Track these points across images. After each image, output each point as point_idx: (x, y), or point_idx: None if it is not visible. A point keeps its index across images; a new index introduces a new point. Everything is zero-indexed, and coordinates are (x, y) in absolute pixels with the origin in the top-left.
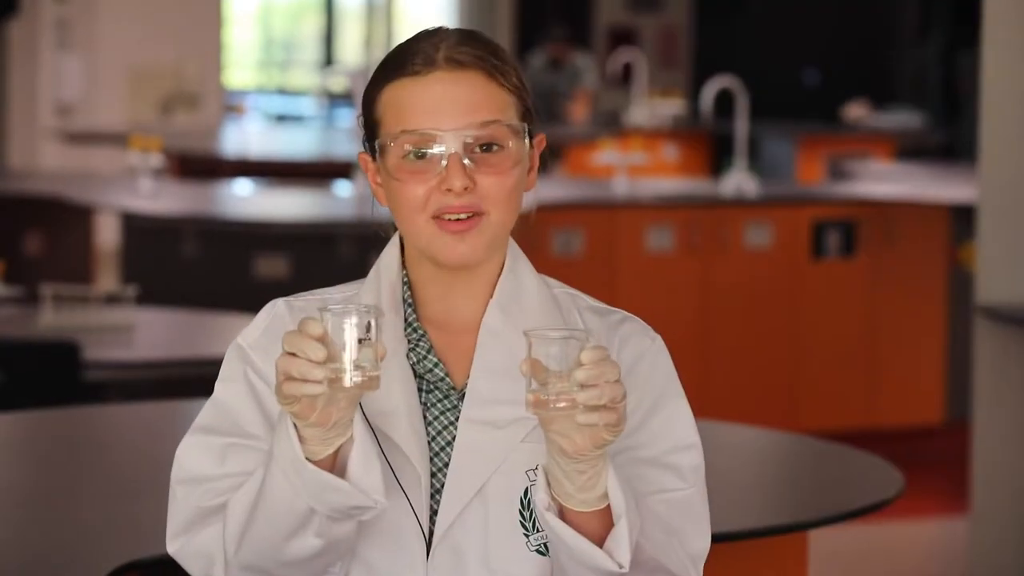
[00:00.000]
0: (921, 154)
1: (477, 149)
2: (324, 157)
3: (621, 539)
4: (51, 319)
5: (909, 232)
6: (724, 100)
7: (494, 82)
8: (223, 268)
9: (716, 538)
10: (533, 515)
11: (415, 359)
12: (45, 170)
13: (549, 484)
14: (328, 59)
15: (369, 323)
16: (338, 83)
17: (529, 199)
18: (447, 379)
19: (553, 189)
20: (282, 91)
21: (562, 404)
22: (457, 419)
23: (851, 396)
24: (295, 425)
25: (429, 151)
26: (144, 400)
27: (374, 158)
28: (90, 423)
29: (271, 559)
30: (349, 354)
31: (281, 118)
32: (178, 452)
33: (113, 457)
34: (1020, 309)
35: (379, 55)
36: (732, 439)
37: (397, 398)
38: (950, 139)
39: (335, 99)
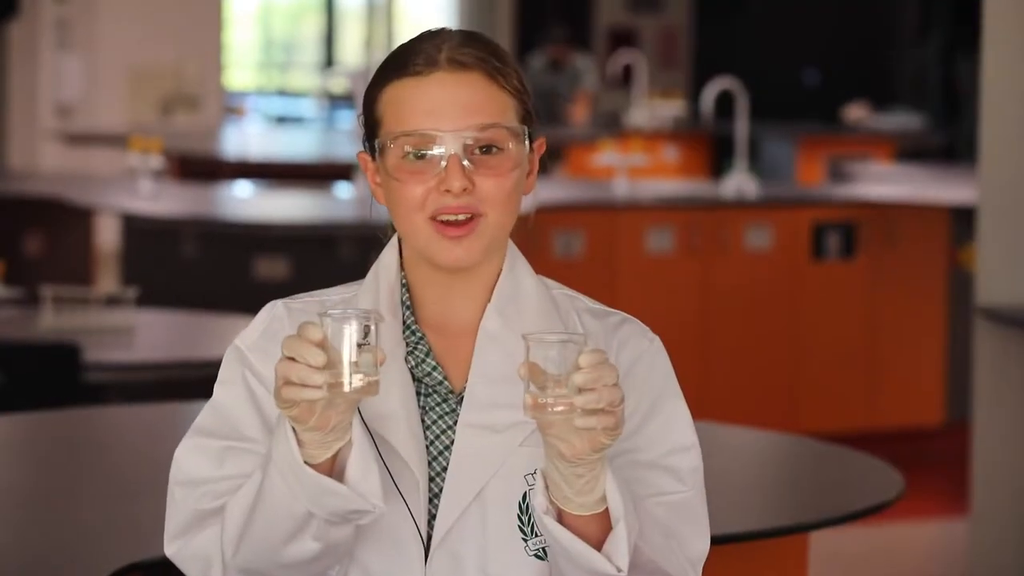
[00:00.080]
0: (921, 155)
1: (477, 151)
2: (324, 159)
3: (619, 542)
4: (51, 320)
5: (909, 233)
6: (724, 101)
7: (495, 84)
8: (223, 270)
9: (716, 540)
10: (531, 519)
11: (413, 362)
12: (45, 171)
13: (547, 488)
14: (328, 60)
15: (369, 328)
16: (338, 84)
17: (528, 202)
18: (445, 382)
19: (554, 190)
20: (282, 92)
21: (560, 408)
22: (455, 423)
23: (851, 397)
24: (294, 429)
25: (429, 152)
26: (144, 402)
27: (374, 158)
28: (90, 424)
29: (269, 562)
30: (349, 359)
31: (281, 119)
32: (176, 454)
33: (113, 458)
34: (1020, 310)
35: (379, 56)
36: (732, 441)
37: (395, 402)
38: (950, 140)
39: (335, 100)
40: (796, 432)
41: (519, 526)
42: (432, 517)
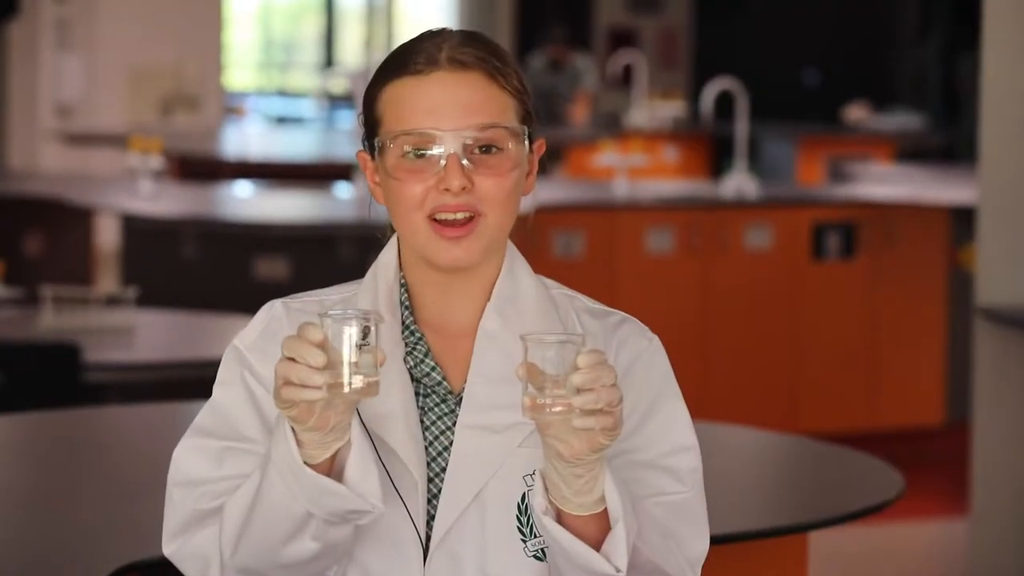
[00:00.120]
0: (921, 156)
1: (476, 150)
2: (324, 159)
3: (618, 542)
4: (51, 321)
5: (909, 234)
6: (724, 101)
7: (495, 84)
8: (223, 270)
9: (716, 539)
10: (530, 520)
11: (412, 363)
12: (45, 171)
13: (546, 488)
14: (328, 60)
15: (369, 328)
16: (338, 85)
17: (527, 203)
18: (444, 383)
19: (554, 191)
20: (282, 93)
21: (558, 408)
22: (454, 424)
23: (851, 397)
24: (293, 429)
25: (428, 151)
26: (144, 402)
27: (373, 157)
28: (90, 425)
29: (267, 562)
30: (349, 360)
31: (281, 120)
32: (175, 454)
33: (113, 458)
34: (1020, 310)
35: (379, 56)
36: (732, 440)
37: (394, 402)
38: (950, 140)
39: (335, 101)
40: (796, 432)
41: (518, 527)
42: (431, 518)
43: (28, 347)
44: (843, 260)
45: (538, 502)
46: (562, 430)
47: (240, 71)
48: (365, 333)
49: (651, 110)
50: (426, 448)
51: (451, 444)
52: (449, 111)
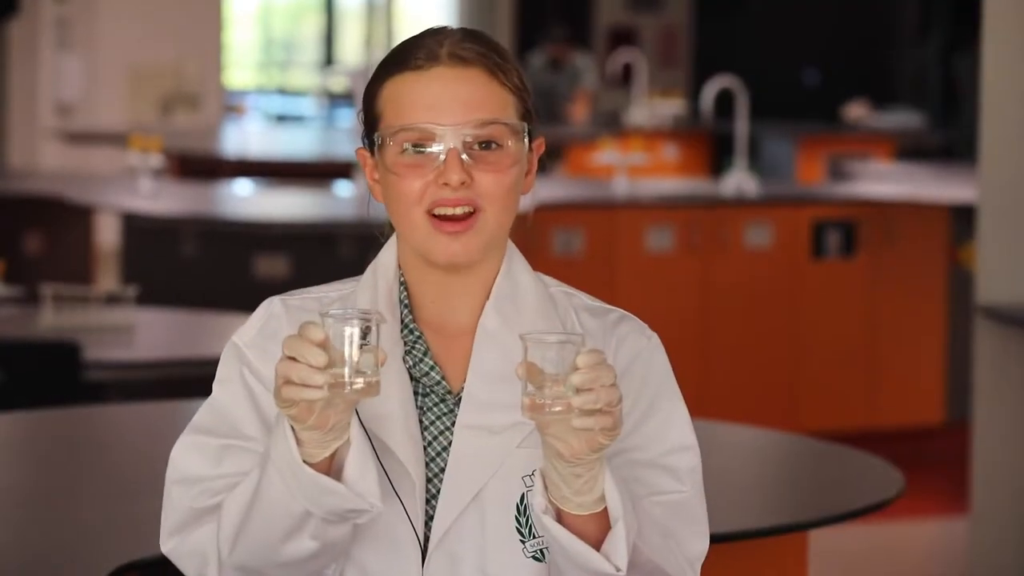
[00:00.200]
0: (921, 154)
1: (476, 146)
2: (324, 157)
3: (618, 542)
4: (51, 319)
5: (909, 232)
6: (724, 100)
7: (495, 80)
8: (223, 268)
9: (716, 538)
10: (529, 521)
11: (411, 362)
12: (45, 170)
13: (546, 487)
14: (328, 59)
15: (370, 328)
16: (338, 83)
17: (527, 202)
18: (443, 382)
19: (553, 189)
20: (282, 91)
21: (558, 408)
22: (453, 424)
23: (851, 396)
24: (292, 427)
25: (428, 147)
26: (144, 400)
27: (373, 153)
28: (90, 423)
29: (266, 560)
30: (350, 359)
31: (281, 118)
32: (173, 452)
33: (113, 457)
34: (1020, 309)
35: (379, 55)
36: (732, 439)
37: (393, 402)
38: (949, 139)
39: (335, 99)
40: (796, 431)
41: (517, 527)
42: (430, 518)
43: (28, 346)
44: (843, 259)
45: (538, 501)
46: (561, 430)
47: (240, 70)
48: (366, 333)
49: (651, 108)
50: (425, 448)
51: (450, 444)
52: (449, 107)
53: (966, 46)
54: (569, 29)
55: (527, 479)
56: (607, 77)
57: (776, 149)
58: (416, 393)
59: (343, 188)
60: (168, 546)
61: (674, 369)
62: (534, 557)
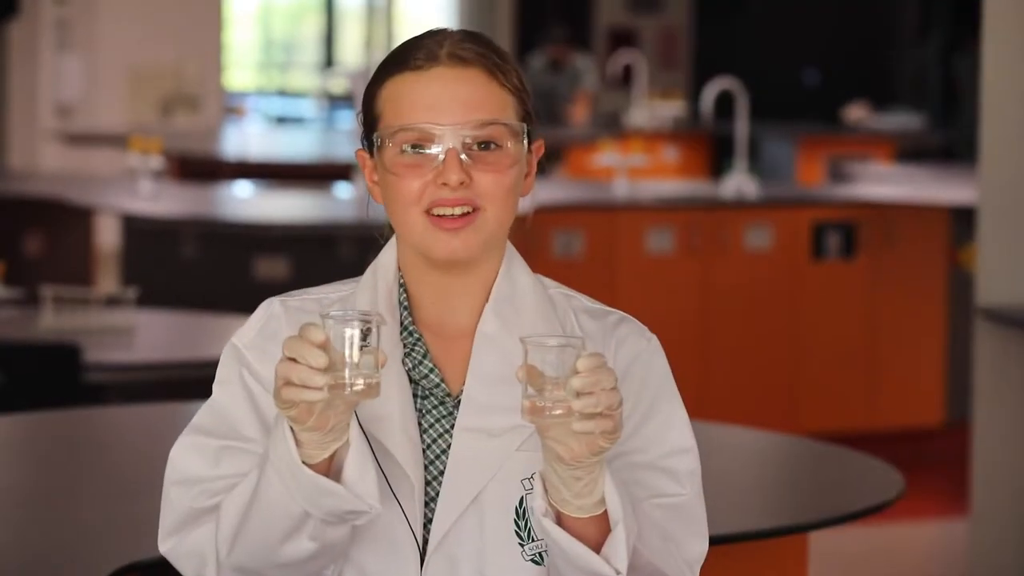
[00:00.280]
0: (921, 155)
1: (475, 147)
2: (324, 159)
3: (618, 544)
4: (51, 321)
5: (909, 233)
6: (724, 101)
7: (495, 81)
8: (223, 270)
9: (716, 540)
10: (528, 524)
11: (410, 364)
12: (45, 171)
13: (546, 490)
14: (328, 60)
15: (370, 330)
16: (338, 85)
17: (526, 204)
18: (443, 385)
19: (553, 191)
20: (282, 93)
21: (558, 412)
22: (453, 427)
23: (851, 397)
24: (292, 429)
25: (427, 147)
26: (144, 402)
27: (372, 154)
28: (90, 425)
29: (264, 561)
30: (350, 361)
31: (281, 120)
32: (172, 453)
33: (113, 458)
34: (1020, 310)
35: (379, 57)
36: (732, 441)
37: (392, 404)
38: (949, 140)
39: (335, 101)
40: (796, 432)
41: (516, 530)
42: (429, 520)
43: (28, 347)
44: (843, 260)
45: (538, 504)
46: (562, 433)
47: (240, 71)
48: (366, 334)
49: (651, 110)
50: (424, 451)
51: (450, 446)
52: (448, 107)
53: (966, 46)
54: (569, 30)
55: (526, 482)
56: (607, 78)
57: (776, 150)
58: (415, 395)
59: (343, 190)
60: (166, 546)
61: (674, 371)
62: (533, 560)
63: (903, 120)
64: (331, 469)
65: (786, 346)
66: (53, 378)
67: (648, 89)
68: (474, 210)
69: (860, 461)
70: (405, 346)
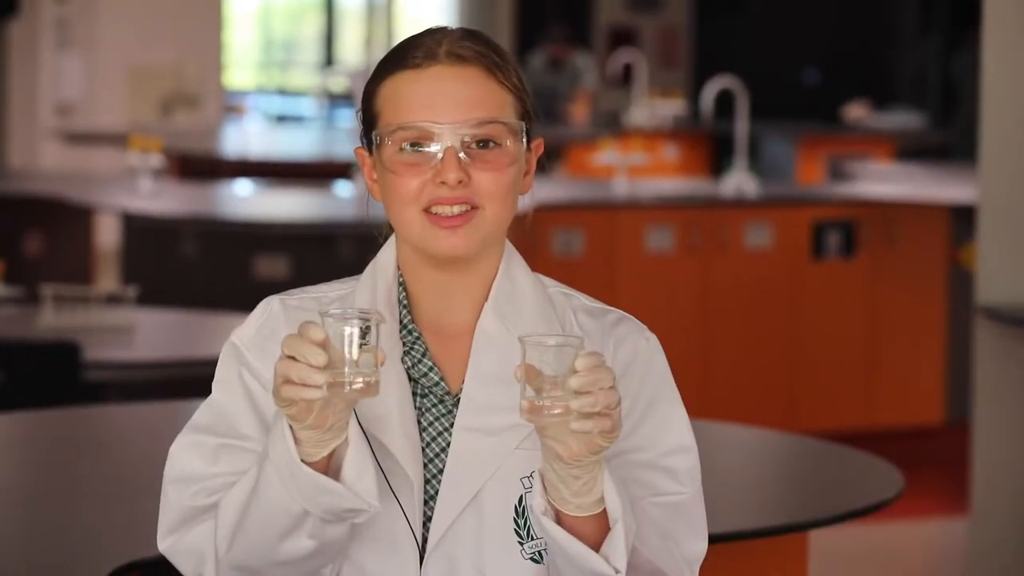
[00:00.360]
0: (921, 154)
1: (474, 145)
2: (324, 158)
3: (617, 543)
4: (51, 319)
5: (909, 232)
6: (724, 100)
7: (494, 79)
8: (223, 268)
9: (716, 538)
10: (528, 522)
11: (410, 363)
12: (45, 170)
13: (545, 489)
14: (328, 59)
15: (369, 328)
16: (338, 83)
17: (526, 202)
18: (442, 383)
19: (553, 189)
20: (282, 91)
21: (556, 411)
22: (452, 425)
23: (851, 396)
24: (291, 427)
25: (426, 146)
26: (144, 400)
27: (371, 152)
28: (90, 423)
29: (263, 559)
30: (349, 359)
31: (281, 118)
32: (171, 451)
33: (113, 457)
34: (1020, 309)
35: (379, 55)
36: (732, 439)
37: (391, 403)
38: (949, 139)
39: (335, 99)
40: (796, 431)
41: (515, 529)
42: (428, 519)
43: (28, 346)
44: (843, 259)
45: (537, 503)
46: (560, 432)
47: (240, 70)
48: (365, 332)
49: (651, 109)
50: (424, 449)
51: (448, 446)
52: (447, 105)
53: (965, 43)
54: (569, 29)
55: (526, 480)
56: (607, 77)
57: (776, 149)
58: (415, 394)
59: (343, 188)
60: (165, 544)
61: (674, 369)
62: (532, 559)
63: (903, 119)
64: (330, 467)
65: (786, 345)
66: (53, 377)
67: (648, 88)
68: (473, 208)
69: (860, 460)
70: (404, 344)
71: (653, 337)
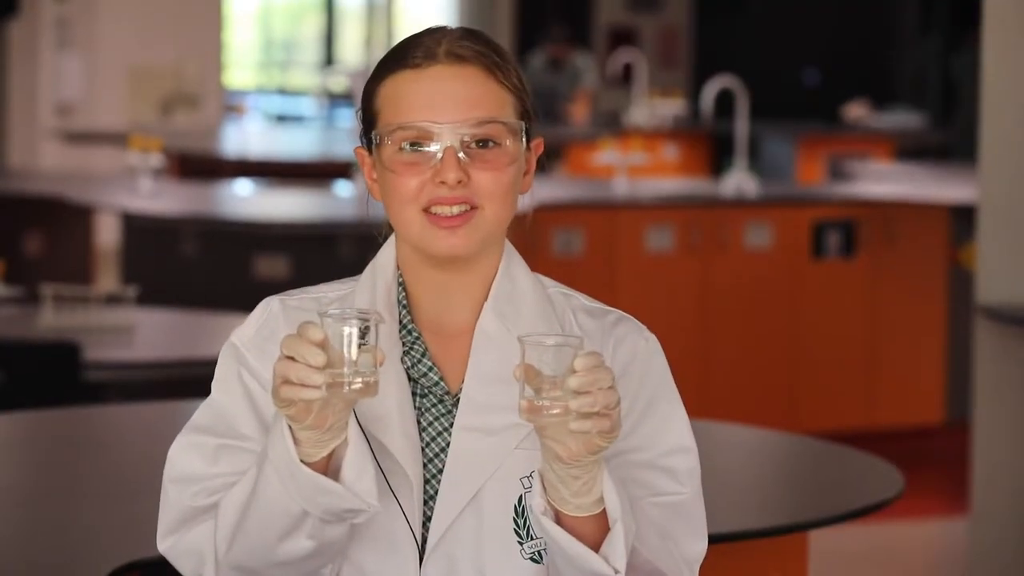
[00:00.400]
0: (921, 154)
1: (473, 145)
2: (324, 157)
3: (617, 543)
4: (51, 319)
5: (909, 232)
6: (724, 100)
7: (493, 79)
8: (223, 268)
9: (716, 539)
10: (527, 522)
11: (409, 363)
12: (45, 170)
13: (544, 489)
14: (328, 59)
15: (368, 328)
16: (338, 83)
17: (525, 202)
18: (441, 383)
19: (553, 189)
20: (282, 91)
21: (555, 411)
22: (451, 425)
23: (851, 396)
24: (290, 427)
25: (425, 146)
26: (144, 400)
27: (371, 152)
28: (90, 423)
29: (263, 559)
30: (349, 359)
31: (281, 118)
32: (171, 451)
33: (113, 457)
34: (1020, 309)
35: (379, 55)
36: (732, 439)
37: (390, 403)
38: (949, 139)
39: (335, 99)
40: (796, 431)
41: (515, 529)
42: (428, 519)
43: (28, 346)
44: (843, 259)
45: (536, 503)
46: (559, 432)
47: (240, 70)
48: (364, 333)
49: (651, 108)
50: (423, 449)
51: (448, 446)
52: (446, 105)
53: (965, 42)
54: (569, 29)
55: (525, 480)
56: (607, 77)
57: (776, 149)
58: (414, 394)
59: (343, 188)
60: (164, 545)
61: (673, 369)
62: (532, 558)
63: (903, 119)
64: (329, 467)
65: (786, 345)
66: (53, 377)
67: (648, 88)
68: (472, 208)
69: (860, 460)
70: (404, 344)
71: (653, 337)
